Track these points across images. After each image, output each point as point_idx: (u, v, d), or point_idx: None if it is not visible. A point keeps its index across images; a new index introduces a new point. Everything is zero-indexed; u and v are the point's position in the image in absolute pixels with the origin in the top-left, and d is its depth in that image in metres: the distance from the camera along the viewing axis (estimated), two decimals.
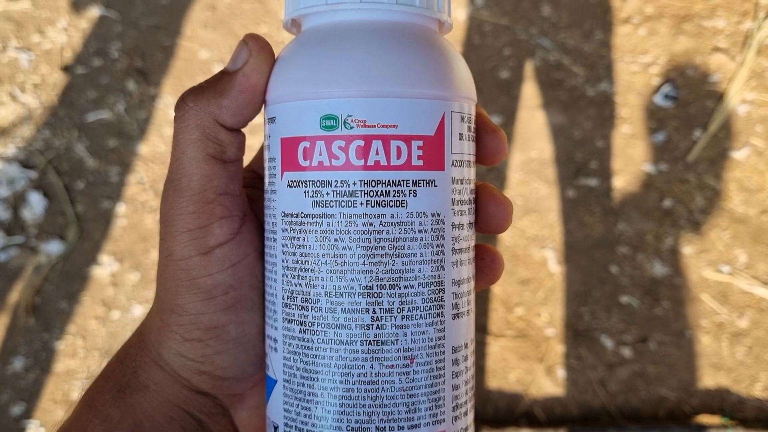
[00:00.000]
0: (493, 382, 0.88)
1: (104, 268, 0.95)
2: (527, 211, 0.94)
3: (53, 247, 0.96)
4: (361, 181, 0.26)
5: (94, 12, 1.06)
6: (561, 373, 0.88)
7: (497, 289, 0.90)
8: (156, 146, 1.00)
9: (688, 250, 0.92)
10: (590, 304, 0.91)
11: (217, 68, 1.03)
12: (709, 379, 0.87)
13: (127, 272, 0.95)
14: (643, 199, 0.94)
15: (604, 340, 0.89)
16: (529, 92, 0.98)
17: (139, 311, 0.93)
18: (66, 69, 1.04)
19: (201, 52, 1.04)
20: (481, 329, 0.89)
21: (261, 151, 0.33)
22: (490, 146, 0.30)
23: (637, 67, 0.99)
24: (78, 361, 0.92)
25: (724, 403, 0.86)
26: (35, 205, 0.97)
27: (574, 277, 0.92)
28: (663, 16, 1.01)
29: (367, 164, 0.26)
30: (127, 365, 0.30)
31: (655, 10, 1.01)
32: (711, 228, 0.92)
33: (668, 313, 0.90)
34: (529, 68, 0.99)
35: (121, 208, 0.97)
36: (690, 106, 0.97)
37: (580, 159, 0.96)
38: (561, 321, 0.90)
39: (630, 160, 0.96)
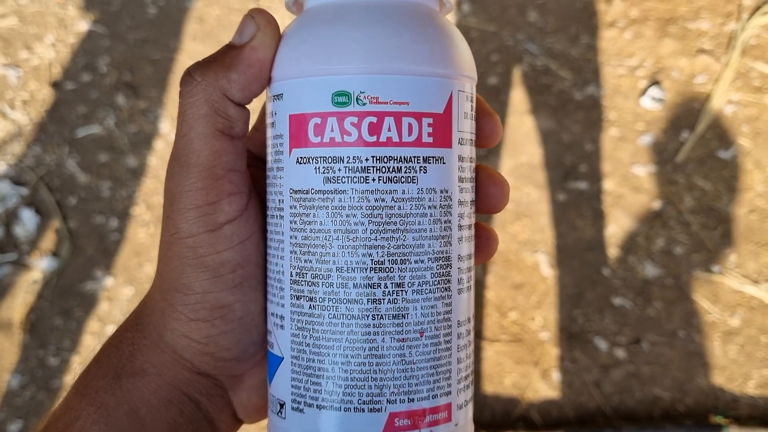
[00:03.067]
0: (489, 387, 0.88)
1: (98, 283, 0.95)
2: (518, 215, 0.95)
3: (47, 264, 0.96)
4: (373, 157, 0.26)
5: (82, 27, 1.06)
6: (556, 376, 0.89)
7: (491, 294, 0.91)
8: (147, 159, 1.00)
9: (678, 250, 0.93)
10: (583, 307, 0.92)
11: None
12: (702, 378, 0.88)
13: (121, 287, 0.95)
14: (633, 201, 0.95)
15: (598, 341, 0.90)
16: (518, 97, 0.99)
17: None
18: (55, 85, 1.04)
19: (190, 64, 1.04)
20: (476, 334, 0.90)
21: (252, 130, 0.33)
22: (486, 129, 0.30)
23: (624, 71, 1.00)
24: (74, 377, 0.92)
25: (717, 401, 0.87)
26: (27, 221, 0.97)
27: (567, 280, 0.93)
28: (648, 19, 1.02)
29: (380, 140, 0.26)
30: (123, 350, 0.29)
31: (640, 13, 1.02)
32: (701, 228, 0.93)
33: (660, 314, 0.91)
34: (517, 74, 1.00)
35: (113, 223, 0.97)
36: (677, 107, 0.98)
37: (570, 163, 0.97)
38: (555, 324, 0.91)
39: (619, 162, 0.96)
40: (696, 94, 0.98)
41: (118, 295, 0.95)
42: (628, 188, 0.95)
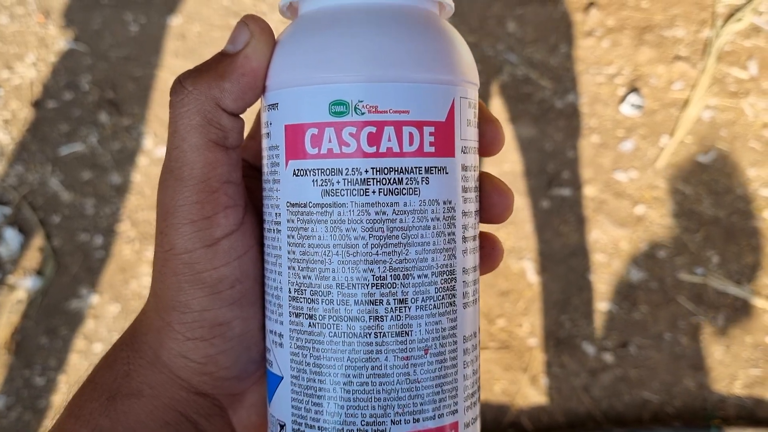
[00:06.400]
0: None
1: (84, 301, 0.94)
2: (504, 223, 0.95)
3: (31, 283, 0.95)
4: (373, 168, 0.25)
5: (63, 45, 1.06)
6: (545, 381, 0.89)
7: None
8: (131, 176, 1.00)
9: (662, 254, 0.94)
10: (570, 312, 0.92)
11: None
12: (690, 380, 0.89)
13: (107, 304, 0.94)
14: (616, 206, 0.96)
15: (586, 346, 0.91)
16: (500, 107, 1.00)
17: None
18: (36, 104, 1.04)
19: (173, 81, 1.04)
20: None
21: (248, 139, 0.32)
22: (488, 136, 0.29)
23: (603, 78, 1.01)
24: (61, 397, 0.90)
25: (705, 402, 0.88)
26: (11, 241, 0.96)
27: (553, 286, 0.93)
28: (624, 27, 1.03)
29: (380, 151, 0.25)
30: (117, 370, 0.28)
31: (616, 22, 1.04)
32: (683, 231, 0.95)
33: (646, 317, 0.92)
34: (497, 83, 1.01)
35: (98, 240, 0.97)
36: (656, 114, 0.99)
37: (552, 170, 0.98)
38: (542, 330, 0.91)
39: (601, 168, 0.98)
40: (674, 100, 1.00)
41: (104, 313, 0.94)
42: (611, 194, 0.97)
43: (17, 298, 0.95)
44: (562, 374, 0.89)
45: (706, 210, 0.95)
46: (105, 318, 0.94)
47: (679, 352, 0.90)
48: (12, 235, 0.96)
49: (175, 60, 1.05)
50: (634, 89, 1.00)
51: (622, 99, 1.00)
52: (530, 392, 0.89)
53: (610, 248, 0.94)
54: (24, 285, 0.95)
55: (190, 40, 1.06)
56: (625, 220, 0.95)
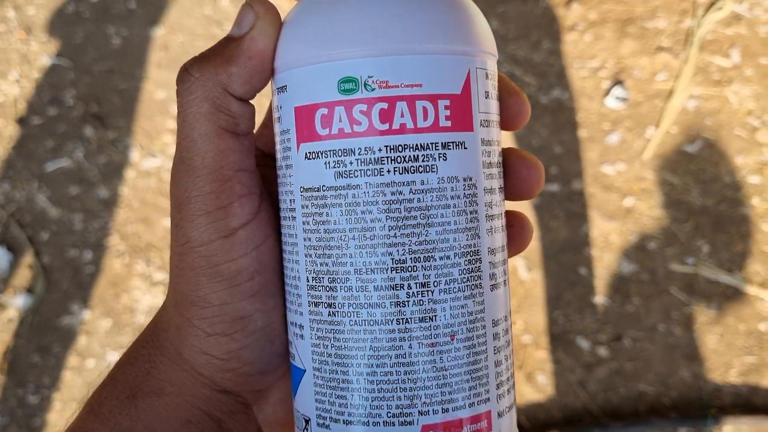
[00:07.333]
0: None
1: (75, 317, 0.94)
2: None
3: (22, 301, 0.94)
4: (386, 146, 0.24)
5: (46, 61, 1.06)
6: (541, 378, 0.89)
7: None
8: (118, 190, 1.00)
9: (652, 245, 0.94)
10: (563, 308, 0.92)
11: (176, 107, 1.03)
12: (685, 370, 0.89)
13: (98, 319, 0.94)
14: (605, 199, 0.96)
15: (580, 341, 0.91)
16: None
17: (115, 357, 0.92)
18: (21, 121, 1.03)
19: (157, 92, 1.04)
20: None
21: (261, 127, 0.31)
22: (512, 109, 0.28)
23: (587, 72, 1.01)
24: (55, 415, 0.90)
25: (701, 392, 0.88)
26: (0, 259, 0.96)
27: (545, 282, 0.93)
28: (606, 21, 1.04)
29: (392, 128, 0.24)
30: (139, 367, 0.28)
31: (598, 15, 1.04)
32: (672, 222, 0.95)
33: (639, 309, 0.92)
34: None
35: (88, 255, 0.97)
36: (640, 105, 1.00)
37: None
38: (536, 327, 0.91)
39: (588, 162, 0.98)
40: (658, 91, 1.00)
41: (97, 328, 0.93)
42: (599, 187, 0.97)
43: (8, 317, 0.94)
44: (557, 370, 0.89)
45: (694, 199, 0.95)
46: (97, 333, 0.93)
47: (673, 342, 0.90)
48: (1, 254, 0.96)
49: (159, 71, 1.05)
50: (618, 82, 1.00)
51: (607, 92, 1.00)
52: (526, 389, 0.89)
53: (601, 242, 0.94)
54: (15, 303, 0.94)
55: (173, 50, 1.06)
56: (614, 213, 0.95)
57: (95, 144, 1.02)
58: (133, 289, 0.95)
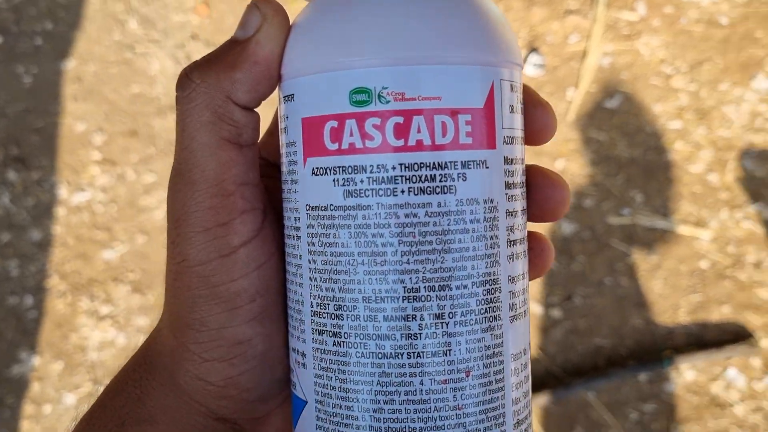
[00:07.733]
0: None
1: (25, 365, 0.92)
2: None
3: None
4: (401, 164, 0.22)
5: None
6: None
7: None
8: (51, 229, 0.97)
9: (588, 203, 0.96)
10: None
11: (98, 138, 1.01)
12: (636, 318, 0.91)
13: (49, 363, 0.92)
14: (536, 164, 0.98)
15: (533, 306, 0.92)
16: None
17: (71, 399, 0.90)
18: None
19: (76, 125, 1.02)
20: None
21: (267, 135, 0.29)
22: (538, 122, 0.26)
23: None
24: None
25: (654, 337, 0.90)
26: None
27: None
28: None
29: (408, 144, 0.22)
30: (129, 393, 0.26)
31: None
32: (604, 177, 0.97)
33: (585, 267, 0.93)
34: None
35: (28, 301, 0.94)
36: (558, 69, 1.01)
37: None
38: None
39: None
40: (573, 53, 1.02)
41: (49, 373, 0.91)
42: (530, 154, 0.98)
43: None
44: None
45: (621, 153, 0.98)
46: (50, 378, 0.91)
47: (621, 294, 0.92)
48: None
49: (76, 104, 1.03)
50: (533, 49, 1.02)
51: (524, 61, 1.02)
52: None
53: None
54: None
55: (87, 81, 1.04)
56: None
57: (20, 187, 0.99)
58: (80, 327, 0.93)
